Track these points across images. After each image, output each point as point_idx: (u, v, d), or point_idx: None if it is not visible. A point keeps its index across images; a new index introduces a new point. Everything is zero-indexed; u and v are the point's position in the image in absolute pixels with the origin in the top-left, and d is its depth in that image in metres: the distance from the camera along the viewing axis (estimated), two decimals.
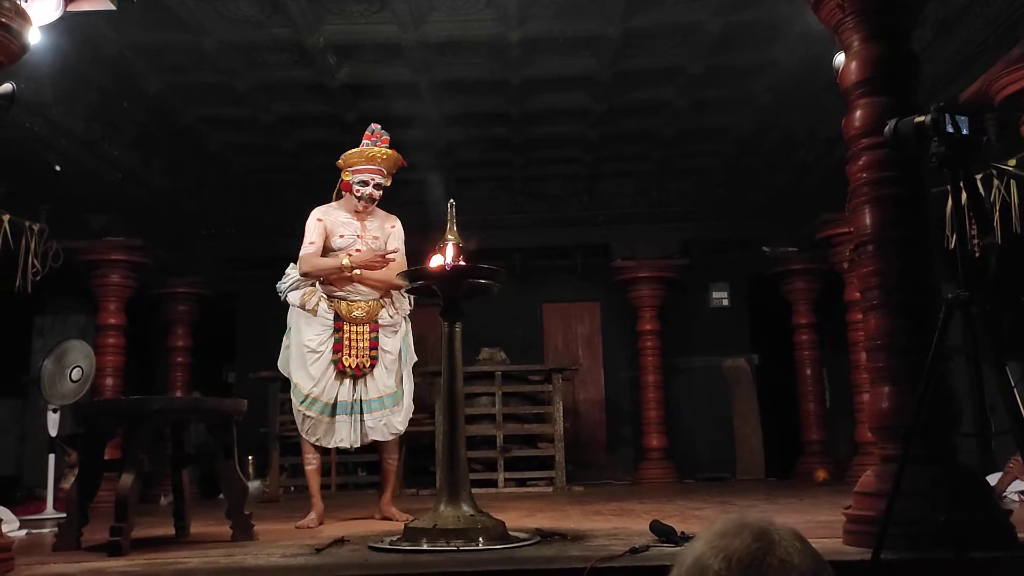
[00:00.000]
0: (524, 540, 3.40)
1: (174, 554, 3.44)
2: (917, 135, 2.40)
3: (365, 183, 4.61)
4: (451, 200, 3.86)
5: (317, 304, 4.55)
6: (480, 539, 3.29)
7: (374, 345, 4.52)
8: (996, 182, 4.73)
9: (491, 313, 7.10)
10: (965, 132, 2.31)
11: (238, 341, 9.53)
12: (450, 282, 3.61)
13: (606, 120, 6.69)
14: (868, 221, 3.17)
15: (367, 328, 4.53)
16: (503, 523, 3.49)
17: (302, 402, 4.49)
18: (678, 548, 3.11)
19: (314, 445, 4.54)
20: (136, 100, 5.97)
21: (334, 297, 4.55)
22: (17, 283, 6.11)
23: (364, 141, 4.66)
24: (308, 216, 4.67)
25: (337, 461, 7.25)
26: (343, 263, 4.48)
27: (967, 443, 2.60)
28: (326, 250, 4.61)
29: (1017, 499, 5.11)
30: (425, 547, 3.26)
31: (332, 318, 4.53)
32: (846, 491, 3.48)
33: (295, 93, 6.12)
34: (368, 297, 4.55)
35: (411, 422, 7.19)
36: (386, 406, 4.54)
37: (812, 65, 5.21)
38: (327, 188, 8.08)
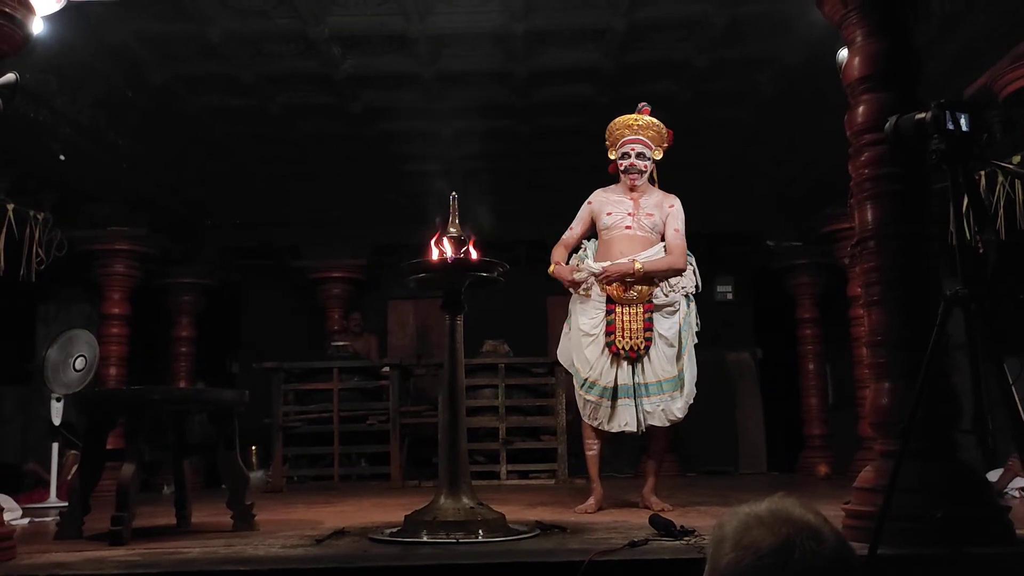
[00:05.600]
0: (524, 533, 3.41)
1: (175, 543, 3.46)
2: (918, 132, 2.39)
3: (627, 155, 4.56)
4: (453, 193, 3.85)
5: (590, 288, 4.52)
6: (480, 531, 3.30)
7: (648, 327, 4.43)
8: (1000, 178, 4.71)
9: (495, 305, 7.09)
10: (966, 129, 2.30)
11: (242, 331, 9.56)
12: (451, 275, 3.61)
13: (611, 112, 6.64)
14: (870, 217, 3.17)
15: (640, 309, 4.44)
16: (503, 515, 3.51)
17: (582, 385, 4.48)
18: (677, 543, 3.11)
19: (596, 430, 4.50)
20: (141, 90, 5.97)
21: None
22: (22, 272, 6.14)
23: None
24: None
25: (340, 452, 7.27)
26: (551, 269, 4.61)
27: (968, 439, 2.60)
28: (597, 230, 4.61)
29: (1018, 495, 5.11)
30: (425, 539, 3.27)
31: (604, 300, 4.48)
32: (847, 486, 3.47)
33: (300, 84, 6.11)
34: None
35: (413, 414, 7.32)
36: (664, 391, 4.43)
37: (817, 59, 5.18)
38: (332, 179, 8.15)
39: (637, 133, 4.56)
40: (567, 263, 4.66)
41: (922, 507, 2.67)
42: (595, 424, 4.49)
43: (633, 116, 4.57)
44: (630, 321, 4.44)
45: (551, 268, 4.62)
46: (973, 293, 2.30)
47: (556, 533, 3.50)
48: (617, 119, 4.61)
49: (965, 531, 2.60)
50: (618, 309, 4.46)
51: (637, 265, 4.43)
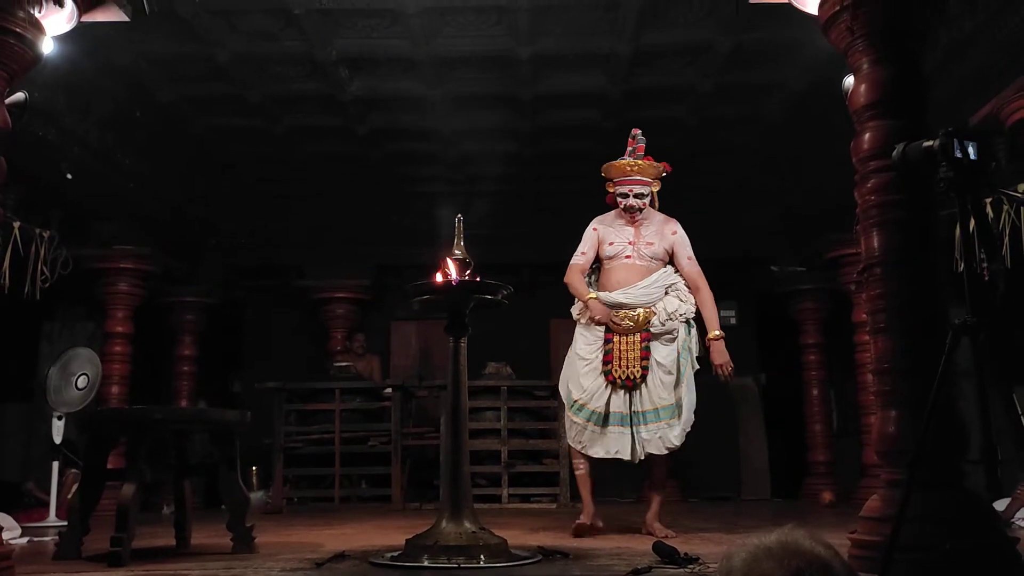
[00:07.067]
0: (526, 558, 3.38)
1: (173, 565, 3.43)
2: (926, 159, 2.38)
3: (625, 195, 4.64)
4: (459, 215, 3.86)
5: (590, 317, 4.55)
6: (481, 556, 3.27)
7: (645, 355, 4.44)
8: (1006, 206, 4.71)
9: (499, 327, 7.07)
10: (974, 157, 2.29)
11: (245, 351, 9.54)
12: (456, 298, 3.61)
13: (616, 137, 6.67)
14: (876, 244, 3.16)
15: (638, 338, 4.46)
16: (505, 540, 3.47)
17: (571, 407, 4.50)
18: (681, 570, 3.08)
19: (582, 453, 4.51)
20: (148, 110, 6.01)
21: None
22: (26, 289, 6.14)
23: (628, 147, 4.72)
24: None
25: (341, 473, 7.24)
26: (588, 298, 4.52)
27: (975, 469, 2.58)
28: (599, 258, 4.67)
29: None
30: (426, 563, 3.24)
31: (604, 329, 4.50)
32: (852, 514, 3.45)
33: (306, 105, 6.14)
34: (636, 303, 4.49)
35: (415, 435, 7.29)
36: (662, 419, 4.45)
37: (822, 85, 5.20)
38: (336, 199, 8.17)
39: (633, 175, 4.63)
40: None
41: (929, 537, 2.64)
42: (578, 447, 4.52)
43: (628, 161, 4.64)
44: (627, 350, 4.47)
45: (586, 297, 4.55)
46: (982, 322, 2.28)
47: (559, 559, 3.46)
48: (613, 163, 4.68)
49: (973, 562, 2.57)
50: (616, 338, 4.50)
51: (718, 332, 4.59)
